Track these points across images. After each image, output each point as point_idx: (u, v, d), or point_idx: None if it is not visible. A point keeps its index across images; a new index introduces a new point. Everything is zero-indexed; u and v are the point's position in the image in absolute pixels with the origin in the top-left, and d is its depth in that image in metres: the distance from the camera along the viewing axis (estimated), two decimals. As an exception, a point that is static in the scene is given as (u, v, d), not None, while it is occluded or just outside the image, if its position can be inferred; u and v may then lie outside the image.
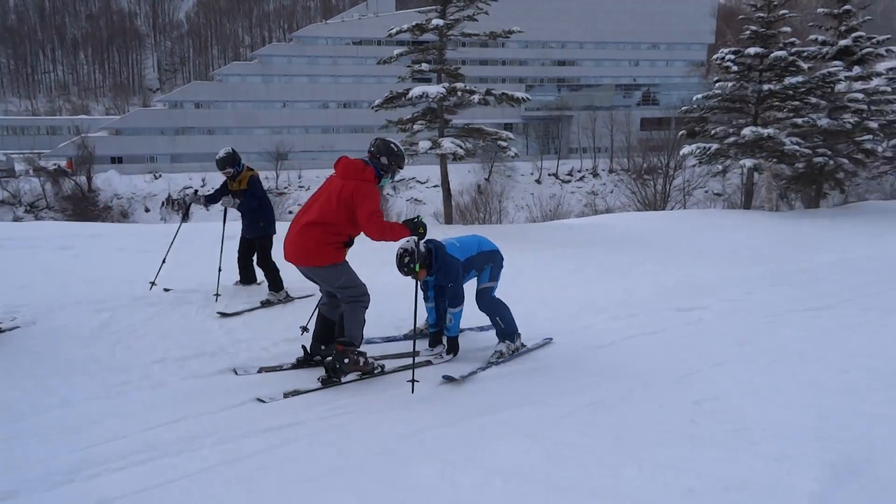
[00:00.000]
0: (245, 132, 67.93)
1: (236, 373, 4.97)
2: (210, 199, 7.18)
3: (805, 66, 19.38)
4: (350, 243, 4.77)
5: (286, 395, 4.45)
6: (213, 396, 4.39)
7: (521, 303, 7.01)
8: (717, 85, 20.54)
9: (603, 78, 76.45)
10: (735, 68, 19.44)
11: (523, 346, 5.65)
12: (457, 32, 13.73)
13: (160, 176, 62.35)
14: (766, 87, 19.30)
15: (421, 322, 5.71)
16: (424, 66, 13.54)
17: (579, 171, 71.09)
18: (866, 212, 21.32)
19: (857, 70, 21.32)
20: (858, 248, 13.46)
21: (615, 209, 40.91)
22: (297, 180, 66.93)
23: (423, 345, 5.60)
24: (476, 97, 13.10)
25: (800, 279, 9.96)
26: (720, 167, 20.95)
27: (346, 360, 4.59)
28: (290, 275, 7.50)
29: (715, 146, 19.94)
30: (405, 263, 4.90)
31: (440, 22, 13.25)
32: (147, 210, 57.89)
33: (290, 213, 58.83)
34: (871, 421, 4.19)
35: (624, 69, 77.32)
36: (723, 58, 19.62)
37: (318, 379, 4.69)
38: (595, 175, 69.67)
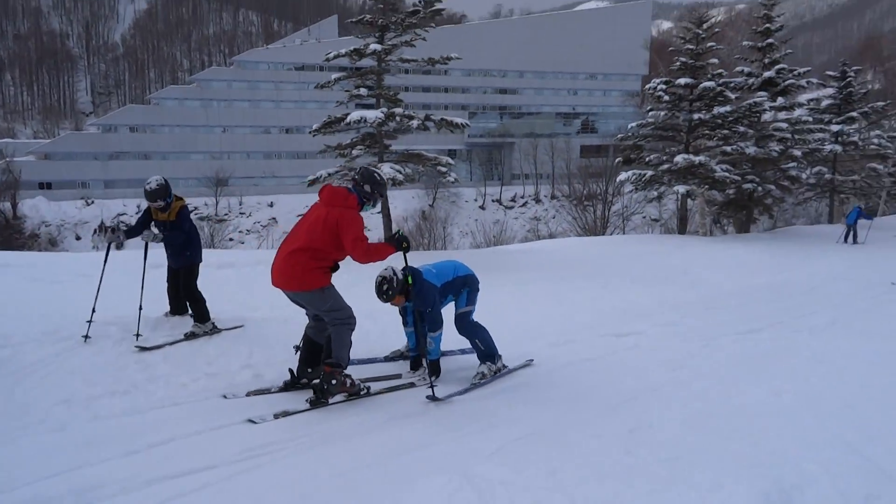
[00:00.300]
0: (182, 157, 66.25)
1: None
2: (129, 234, 6.51)
3: (732, 96, 20.23)
4: (336, 268, 4.87)
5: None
6: (118, 440, 4.03)
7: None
8: (650, 114, 21.20)
9: (543, 106, 78.33)
10: (667, 98, 20.11)
11: (505, 366, 5.73)
12: (395, 58, 13.70)
13: (92, 202, 59.97)
14: (696, 116, 20.03)
15: (402, 346, 6.01)
16: (363, 91, 13.43)
17: (522, 198, 72.15)
18: (794, 236, 22.28)
19: (781, 101, 22.43)
20: (787, 270, 13.94)
21: (557, 235, 41.58)
22: (238, 206, 65.56)
23: (404, 367, 5.77)
24: (415, 122, 13.06)
25: (732, 303, 10.18)
26: (655, 193, 21.52)
27: (334, 382, 4.69)
28: (220, 305, 7.20)
29: (650, 173, 20.49)
30: (384, 291, 5.08)
31: (378, 47, 13.20)
32: (78, 238, 55.45)
33: (231, 240, 57.65)
34: (801, 445, 4.18)
35: (563, 98, 79.45)
36: (655, 87, 20.28)
37: (307, 400, 4.71)
38: (538, 201, 70.83)
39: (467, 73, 74.23)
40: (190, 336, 6.41)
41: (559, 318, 8.38)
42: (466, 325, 5.57)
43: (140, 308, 6.17)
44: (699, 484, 3.60)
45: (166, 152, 66.05)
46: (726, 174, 19.65)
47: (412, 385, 5.34)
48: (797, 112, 22.83)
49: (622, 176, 21.73)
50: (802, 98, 26.72)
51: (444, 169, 13.60)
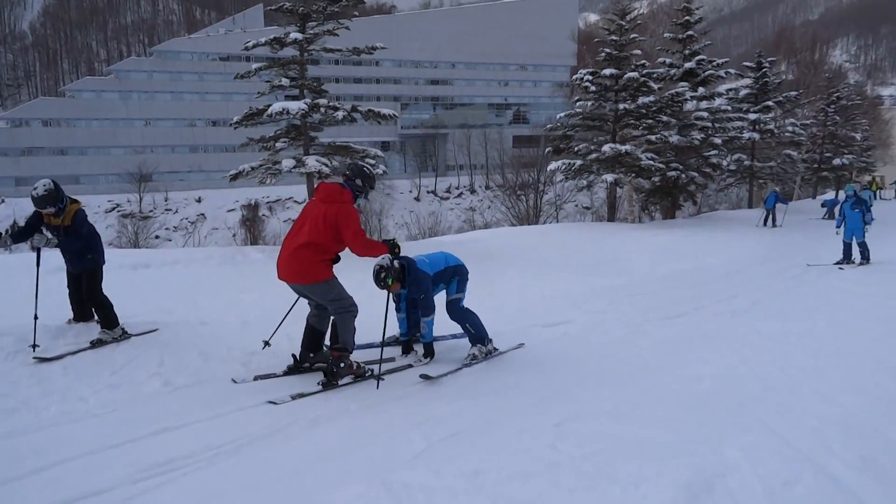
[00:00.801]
0: (102, 152, 63.17)
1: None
2: (17, 238, 5.88)
3: (655, 86, 20.69)
4: (337, 259, 5.22)
5: (271, 403, 4.69)
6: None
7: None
8: (577, 104, 21.46)
9: (476, 97, 78.67)
10: (593, 88, 20.39)
11: (496, 349, 6.09)
12: (318, 47, 13.28)
13: (3, 201, 56.38)
14: (621, 106, 20.39)
15: (394, 331, 6.27)
16: (285, 82, 12.96)
17: (457, 188, 72.31)
18: (717, 221, 23.08)
19: (701, 90, 23.13)
20: (711, 255, 14.37)
21: (492, 225, 41.81)
22: (164, 202, 63.06)
23: (396, 352, 6.10)
24: (340, 114, 12.72)
25: (659, 288, 10.39)
26: (585, 182, 21.83)
27: (342, 365, 5.12)
28: (132, 308, 6.75)
29: (579, 162, 20.77)
30: (381, 278, 5.46)
31: (299, 36, 12.75)
32: (-15, 240, 52.03)
33: (157, 237, 55.37)
34: (722, 431, 4.20)
35: (495, 89, 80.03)
36: (581, 78, 20.54)
37: (319, 383, 5.05)
38: (472, 192, 71.14)
39: (398, 64, 73.72)
40: (97, 343, 5.96)
41: (489, 310, 8.22)
42: (457, 310, 6.00)
43: (35, 317, 5.66)
44: (623, 477, 3.54)
45: (84, 147, 62.81)
46: (651, 162, 20.12)
47: (410, 366, 5.67)
48: (717, 101, 23.64)
49: (552, 165, 21.95)
50: (722, 88, 27.63)
51: (372, 162, 13.30)
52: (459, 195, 71.53)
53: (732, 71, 26.08)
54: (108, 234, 50.69)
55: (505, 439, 4.10)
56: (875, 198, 29.82)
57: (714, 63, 23.71)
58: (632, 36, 20.93)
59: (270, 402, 4.69)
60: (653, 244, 15.66)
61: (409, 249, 7.44)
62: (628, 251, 14.58)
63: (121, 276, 9.20)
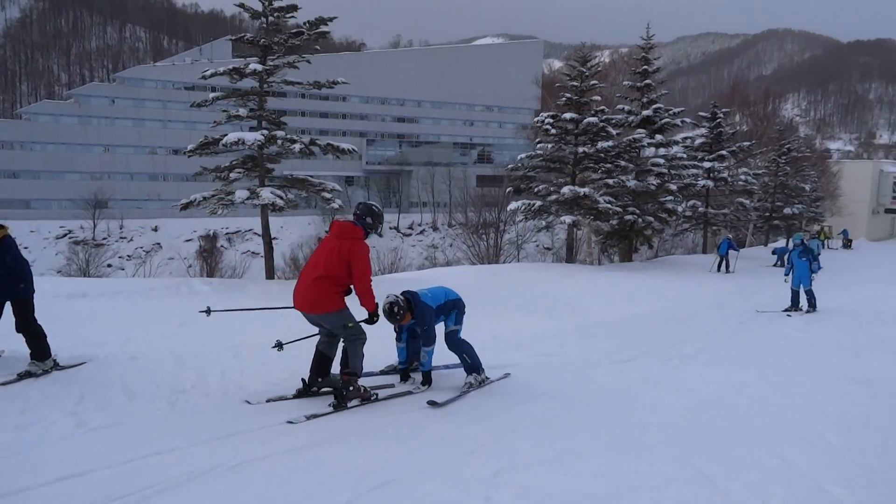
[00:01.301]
0: (57, 176, 61.61)
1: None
2: None
3: (614, 132, 21.13)
4: (349, 292, 5.53)
5: (289, 423, 5.00)
6: None
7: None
8: (538, 146, 21.74)
9: (441, 136, 79.55)
10: (553, 131, 20.72)
11: (487, 378, 6.43)
12: (278, 79, 13.18)
13: (-54, 224, 54.23)
14: (581, 149, 20.74)
15: (393, 361, 6.70)
16: (242, 112, 12.78)
17: (420, 225, 72.45)
18: (672, 265, 23.43)
19: (658, 138, 23.71)
20: (664, 299, 14.48)
21: (454, 262, 41.77)
22: (119, 230, 61.52)
23: (395, 380, 6.42)
24: (297, 146, 12.55)
25: (610, 331, 10.34)
26: (544, 223, 21.98)
27: (351, 388, 5.49)
28: (64, 340, 6.38)
29: (539, 203, 20.94)
30: (395, 313, 5.86)
31: (258, 67, 12.64)
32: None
33: (109, 266, 53.73)
34: (662, 483, 4.08)
35: (461, 128, 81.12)
36: (542, 121, 20.87)
37: (330, 405, 5.38)
38: (435, 229, 71.31)
39: (365, 101, 74.27)
40: (25, 375, 5.62)
41: (437, 351, 8.10)
42: (455, 341, 6.33)
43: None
44: (557, 534, 3.37)
45: (38, 171, 61.13)
46: (609, 206, 20.40)
47: (410, 393, 6.02)
48: (673, 149, 24.21)
49: (513, 205, 22.07)
50: (678, 136, 28.39)
51: (328, 195, 13.13)
52: (422, 232, 71.63)
53: (688, 120, 26.90)
54: (58, 260, 49.05)
55: (438, 490, 3.90)
56: (823, 247, 30.78)
57: (671, 112, 24.39)
58: (592, 82, 21.41)
59: (289, 423, 4.98)
60: (608, 287, 15.74)
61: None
62: (584, 293, 14.60)
63: (55, 306, 8.77)
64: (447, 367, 6.91)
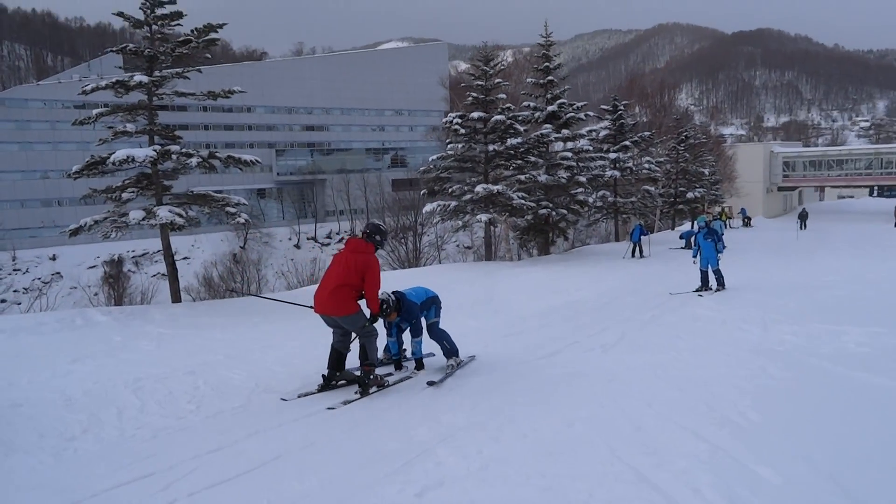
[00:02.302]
0: (-67, 208, 56.58)
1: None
2: None
3: (522, 128, 21.36)
4: (361, 296, 6.37)
5: (329, 409, 5.84)
6: None
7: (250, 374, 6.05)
8: (449, 147, 21.69)
9: (353, 142, 78.56)
10: (463, 131, 20.71)
11: (462, 361, 7.41)
12: (168, 91, 12.42)
13: None
14: (491, 147, 20.84)
15: (382, 353, 7.34)
16: (130, 127, 11.94)
17: (338, 234, 71.30)
18: (588, 255, 23.94)
19: (565, 132, 24.19)
20: (583, 289, 14.67)
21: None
22: (12, 262, 57.10)
23: (390, 369, 7.22)
24: (194, 160, 11.86)
25: (533, 325, 10.32)
26: (461, 223, 21.95)
27: (371, 377, 6.39)
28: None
29: (454, 203, 20.88)
30: (383, 309, 6.65)
31: (144, 79, 11.85)
32: None
33: (3, 301, 49.66)
34: (592, 482, 3.95)
35: (372, 134, 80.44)
36: (451, 121, 20.82)
37: (356, 392, 6.26)
38: (354, 236, 70.37)
39: (271, 111, 72.37)
40: None
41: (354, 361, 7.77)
42: (436, 331, 7.29)
43: None
44: (487, 554, 3.15)
45: None
46: (523, 201, 20.59)
47: (409, 377, 6.90)
48: (580, 142, 24.82)
49: (428, 207, 21.91)
50: (583, 130, 29.12)
51: (232, 210, 12.48)
52: (341, 240, 70.53)
53: (592, 114, 27.70)
54: (-60, 301, 44.97)
55: (358, 520, 3.60)
56: (726, 227, 32.39)
57: (574, 106, 24.96)
58: (496, 81, 21.56)
59: (329, 408, 5.83)
60: (528, 281, 15.82)
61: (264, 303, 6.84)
62: (505, 289, 14.61)
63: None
64: (430, 354, 7.71)
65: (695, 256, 13.50)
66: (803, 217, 36.59)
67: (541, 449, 4.59)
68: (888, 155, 60.41)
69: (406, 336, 7.37)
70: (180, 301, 13.48)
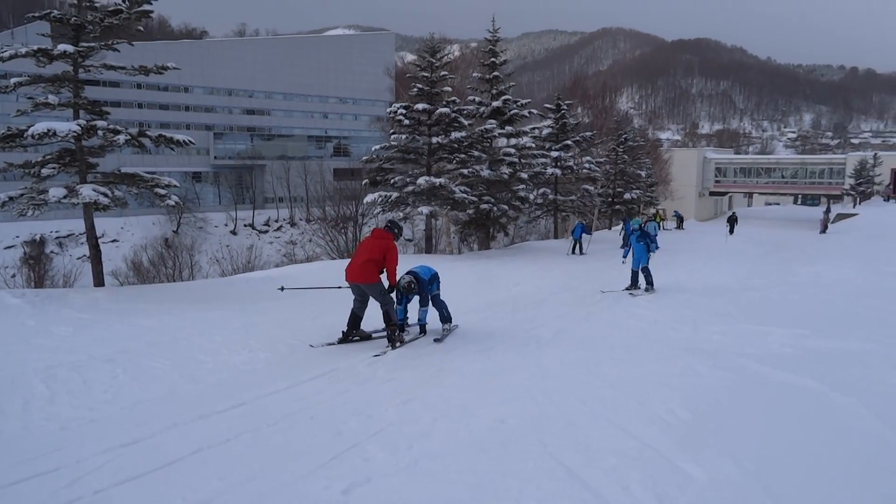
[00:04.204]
0: None
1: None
2: None
3: (466, 122, 21.32)
4: (382, 272, 8.05)
5: (375, 356, 7.32)
6: None
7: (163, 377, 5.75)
8: (393, 137, 21.45)
9: (294, 129, 76.93)
10: (407, 122, 20.51)
11: (456, 325, 9.09)
12: (96, 63, 11.73)
13: None
14: (434, 140, 20.71)
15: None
16: (52, 100, 11.21)
17: (276, 221, 69.82)
18: (528, 251, 24.16)
19: (509, 129, 24.31)
20: (522, 283, 14.74)
21: (314, 258, 40.51)
22: (-82, 244, 53.29)
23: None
24: (122, 137, 11.24)
25: (472, 319, 10.24)
26: (402, 214, 21.76)
27: (397, 334, 8.03)
28: None
29: (395, 195, 20.67)
30: (411, 289, 8.29)
31: (70, 48, 11.14)
32: None
33: None
34: (523, 479, 3.89)
35: (315, 121, 78.98)
36: (395, 111, 20.59)
37: (387, 347, 7.79)
38: (293, 225, 69.07)
39: (210, 92, 70.06)
40: None
41: (282, 358, 7.53)
42: (438, 301, 8.78)
43: None
44: (413, 554, 3.04)
45: None
46: (465, 195, 20.58)
47: (415, 339, 8.36)
48: (523, 139, 24.94)
49: (369, 198, 21.63)
50: (527, 127, 29.33)
51: (162, 192, 11.92)
52: (279, 228, 69.09)
53: (536, 111, 27.90)
54: None
55: (279, 519, 3.43)
56: (659, 228, 33.31)
57: (519, 103, 25.10)
58: (442, 73, 21.44)
59: (374, 356, 7.35)
60: (468, 275, 15.78)
61: (190, 291, 6.47)
62: (444, 283, 14.43)
63: None
64: (420, 320, 8.66)
65: (625, 257, 13.80)
66: (732, 221, 37.68)
67: (472, 445, 4.51)
68: (812, 165, 63.60)
69: (412, 306, 8.83)
70: (103, 285, 12.81)
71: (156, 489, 3.80)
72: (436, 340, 8.19)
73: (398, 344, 7.91)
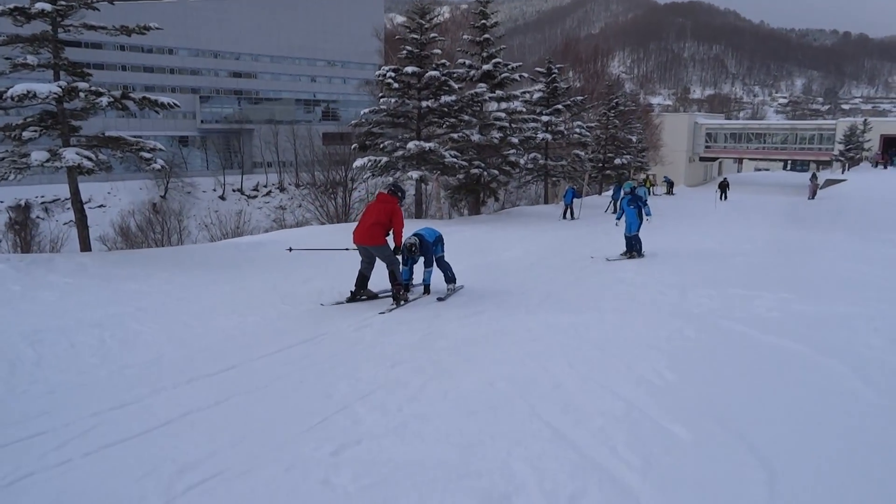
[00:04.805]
0: None
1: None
2: None
3: (456, 86, 21.04)
4: (388, 233, 8.39)
5: (381, 314, 7.71)
6: None
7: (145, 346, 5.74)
8: (382, 101, 21.17)
9: (282, 92, 75.71)
10: (396, 85, 20.21)
11: (460, 286, 9.44)
12: (76, 22, 11.40)
13: None
14: (424, 104, 20.45)
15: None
16: (31, 60, 10.91)
17: (265, 186, 69.25)
18: (517, 216, 24.14)
19: (499, 93, 24.02)
20: (510, 248, 14.74)
21: (304, 223, 40.33)
22: None
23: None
24: (104, 100, 10.99)
25: (459, 284, 10.25)
26: (392, 179, 21.61)
27: (402, 292, 8.41)
28: None
29: (385, 159, 20.49)
30: (413, 251, 8.59)
31: (48, 7, 10.81)
32: None
33: None
34: (512, 441, 3.93)
35: (303, 84, 77.71)
36: (384, 74, 20.27)
37: (391, 305, 8.17)
38: (282, 190, 68.56)
39: (195, 54, 68.63)
40: None
41: (271, 323, 7.53)
42: (443, 263, 9.20)
43: None
44: (402, 513, 3.08)
45: None
46: (455, 160, 20.43)
47: (419, 297, 8.75)
48: (514, 104, 24.66)
49: (358, 162, 21.44)
50: (518, 91, 28.98)
51: (148, 155, 11.73)
52: (268, 193, 68.56)
53: (526, 75, 27.51)
54: None
55: (269, 480, 3.45)
56: (649, 193, 33.30)
57: (509, 66, 24.74)
58: (432, 35, 21.07)
59: (380, 314, 7.73)
60: (458, 240, 15.71)
61: (177, 256, 6.42)
62: (433, 248, 14.47)
63: None
64: (424, 281, 9.06)
65: (618, 219, 13.78)
66: (724, 187, 37.21)
67: (461, 407, 4.54)
68: (802, 131, 63.55)
69: (418, 267, 9.16)
70: (90, 250, 12.69)
71: (146, 451, 3.81)
72: (439, 300, 8.55)
73: (402, 302, 8.30)
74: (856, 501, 3.25)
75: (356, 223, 8.86)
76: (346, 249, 9.18)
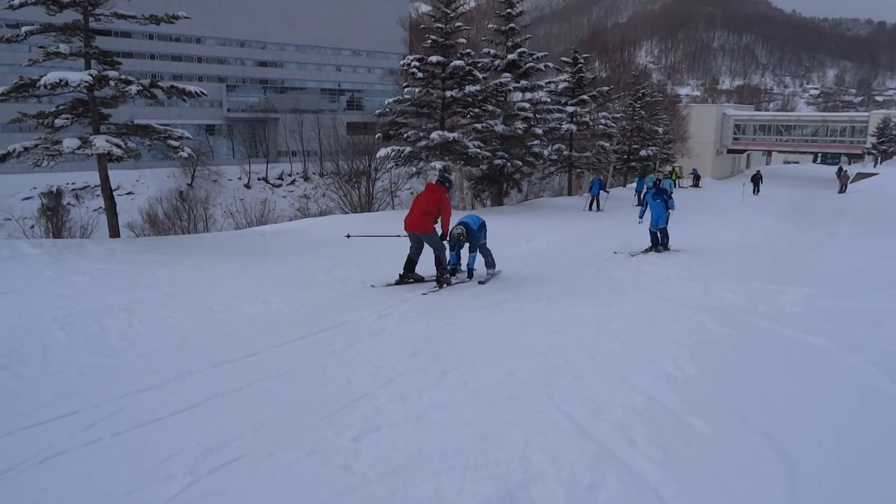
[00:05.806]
0: None
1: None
2: None
3: (481, 76, 20.95)
4: (437, 221, 8.95)
5: (423, 294, 8.36)
6: None
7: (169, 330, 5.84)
8: (406, 91, 21.18)
9: (308, 81, 76.00)
10: (420, 75, 20.19)
11: (499, 271, 9.92)
12: (106, 11, 11.58)
13: None
14: (448, 93, 20.41)
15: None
16: (63, 49, 11.12)
17: (290, 175, 69.73)
18: (541, 207, 24.04)
19: (524, 83, 23.89)
20: (533, 240, 14.74)
21: (327, 212, 40.59)
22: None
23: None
24: (134, 88, 11.15)
25: (481, 275, 10.27)
26: (415, 169, 21.66)
27: (445, 276, 9.01)
28: None
29: (408, 149, 20.52)
30: (460, 239, 9.16)
31: (78, -5, 11.02)
32: None
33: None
34: (530, 431, 3.96)
35: (328, 74, 77.95)
36: (409, 64, 20.26)
37: (434, 287, 8.82)
38: (306, 179, 68.99)
39: (222, 43, 69.16)
40: None
41: (292, 306, 7.62)
42: (484, 249, 9.61)
43: None
44: (420, 499, 3.12)
45: None
46: (479, 150, 20.39)
47: (462, 282, 9.30)
48: (538, 94, 24.50)
49: (382, 152, 21.50)
50: (542, 81, 28.77)
51: (175, 143, 11.91)
52: (292, 182, 69.04)
53: (551, 65, 27.31)
54: None
55: (291, 465, 3.52)
56: (675, 186, 32.87)
57: (535, 56, 24.58)
58: (457, 24, 20.99)
59: (423, 294, 8.41)
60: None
61: (201, 243, 6.52)
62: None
63: None
64: (468, 266, 9.53)
65: (641, 216, 13.61)
66: (757, 180, 36.16)
67: (481, 396, 4.58)
68: (834, 123, 62.18)
69: (464, 252, 9.59)
70: (119, 236, 12.94)
71: (172, 433, 3.91)
72: (480, 283, 9.18)
73: (445, 285, 8.93)
74: (876, 498, 3.22)
75: (406, 211, 9.45)
76: (398, 236, 9.69)
